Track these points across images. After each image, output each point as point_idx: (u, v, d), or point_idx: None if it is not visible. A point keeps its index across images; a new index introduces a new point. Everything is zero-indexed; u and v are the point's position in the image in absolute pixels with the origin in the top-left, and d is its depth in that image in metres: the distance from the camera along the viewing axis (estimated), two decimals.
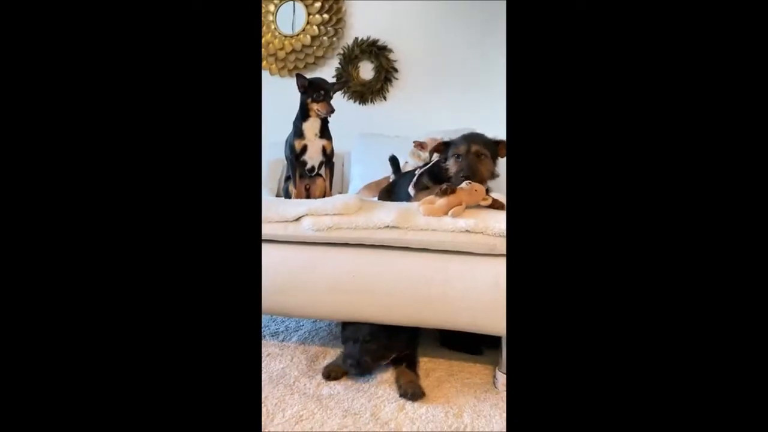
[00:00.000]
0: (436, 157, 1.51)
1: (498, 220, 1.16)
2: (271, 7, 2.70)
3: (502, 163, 1.36)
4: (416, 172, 1.54)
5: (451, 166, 1.36)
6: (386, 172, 2.07)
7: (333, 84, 1.61)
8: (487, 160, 1.35)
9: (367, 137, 2.42)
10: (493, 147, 1.36)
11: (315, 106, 1.56)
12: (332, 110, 1.56)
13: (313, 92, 1.55)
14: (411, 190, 1.48)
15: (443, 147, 1.42)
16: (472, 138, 1.36)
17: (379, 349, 1.21)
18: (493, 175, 1.37)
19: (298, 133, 1.59)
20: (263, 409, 1.02)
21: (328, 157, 1.63)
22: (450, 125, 2.32)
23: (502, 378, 1.17)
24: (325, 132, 1.61)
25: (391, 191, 1.67)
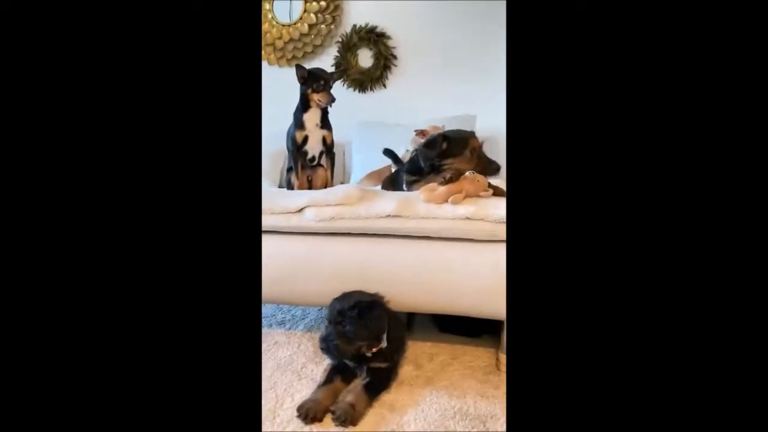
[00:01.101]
0: (413, 146, 1.53)
1: (498, 207, 1.17)
2: None
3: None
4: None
5: (463, 162, 1.36)
6: (388, 160, 2.08)
7: (332, 74, 1.62)
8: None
9: (368, 126, 2.41)
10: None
11: (315, 97, 1.57)
12: (333, 99, 1.56)
13: (313, 83, 1.55)
14: (405, 188, 1.50)
15: (443, 140, 1.40)
16: (473, 134, 1.41)
17: (352, 331, 1.05)
18: None
19: (298, 124, 1.60)
20: (273, 394, 1.06)
21: (328, 148, 1.65)
22: (450, 112, 2.32)
23: (504, 360, 1.20)
24: (325, 122, 1.62)
25: (395, 180, 1.69)
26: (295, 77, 1.59)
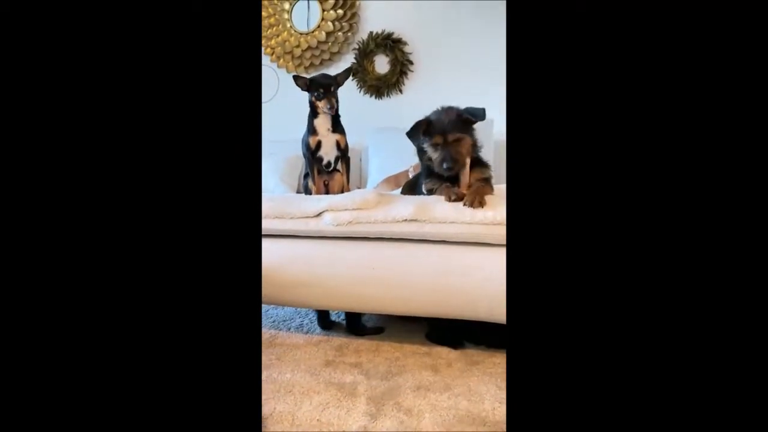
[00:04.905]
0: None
1: None
2: (287, 5, 2.74)
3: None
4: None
5: (432, 153, 1.35)
6: (404, 165, 2.08)
7: (335, 76, 1.63)
8: (465, 141, 1.33)
9: (384, 131, 2.43)
10: (466, 125, 1.34)
11: (319, 104, 1.59)
12: (334, 105, 1.58)
13: (315, 91, 1.58)
14: (424, 190, 1.50)
15: (426, 126, 1.36)
16: (445, 126, 1.32)
17: None
18: (476, 148, 1.37)
19: (311, 130, 1.63)
20: (291, 397, 1.07)
21: (343, 152, 1.66)
22: None
23: None
24: (337, 127, 1.64)
25: (415, 185, 1.69)
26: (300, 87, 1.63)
